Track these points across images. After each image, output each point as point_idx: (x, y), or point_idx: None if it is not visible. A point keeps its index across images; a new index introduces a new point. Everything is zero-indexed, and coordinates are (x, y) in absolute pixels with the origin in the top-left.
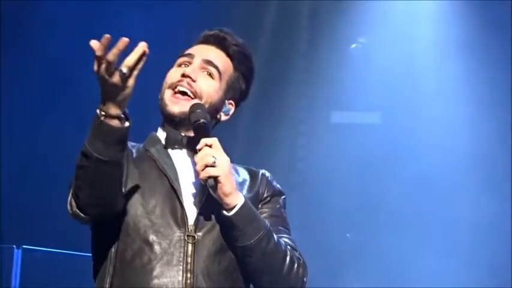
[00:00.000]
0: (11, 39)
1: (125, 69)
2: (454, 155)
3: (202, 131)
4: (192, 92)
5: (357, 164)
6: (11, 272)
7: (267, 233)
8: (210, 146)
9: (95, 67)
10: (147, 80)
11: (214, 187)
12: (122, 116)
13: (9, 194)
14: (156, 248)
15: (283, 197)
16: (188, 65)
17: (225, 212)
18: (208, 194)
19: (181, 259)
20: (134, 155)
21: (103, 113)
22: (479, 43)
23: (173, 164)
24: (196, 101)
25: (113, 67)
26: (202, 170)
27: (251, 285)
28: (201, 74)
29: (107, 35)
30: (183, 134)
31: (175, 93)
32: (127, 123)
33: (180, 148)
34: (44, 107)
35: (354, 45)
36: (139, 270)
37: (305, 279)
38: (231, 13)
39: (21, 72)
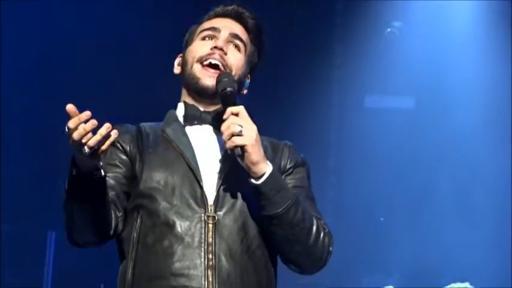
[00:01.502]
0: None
1: (86, 150)
2: (488, 140)
3: (230, 100)
4: (223, 65)
5: (391, 148)
6: (44, 254)
7: (295, 202)
8: (237, 115)
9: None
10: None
11: (242, 156)
12: (94, 172)
13: (45, 177)
14: (177, 230)
15: (307, 166)
16: (213, 39)
17: (253, 181)
18: (228, 171)
19: (202, 241)
20: (151, 138)
21: (75, 169)
22: None
23: (190, 142)
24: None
25: (78, 142)
26: (229, 139)
27: (278, 257)
28: (229, 47)
29: (88, 112)
30: (201, 109)
31: (205, 66)
32: (100, 175)
33: (200, 124)
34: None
35: (388, 30)
36: (161, 254)
37: (330, 249)
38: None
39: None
